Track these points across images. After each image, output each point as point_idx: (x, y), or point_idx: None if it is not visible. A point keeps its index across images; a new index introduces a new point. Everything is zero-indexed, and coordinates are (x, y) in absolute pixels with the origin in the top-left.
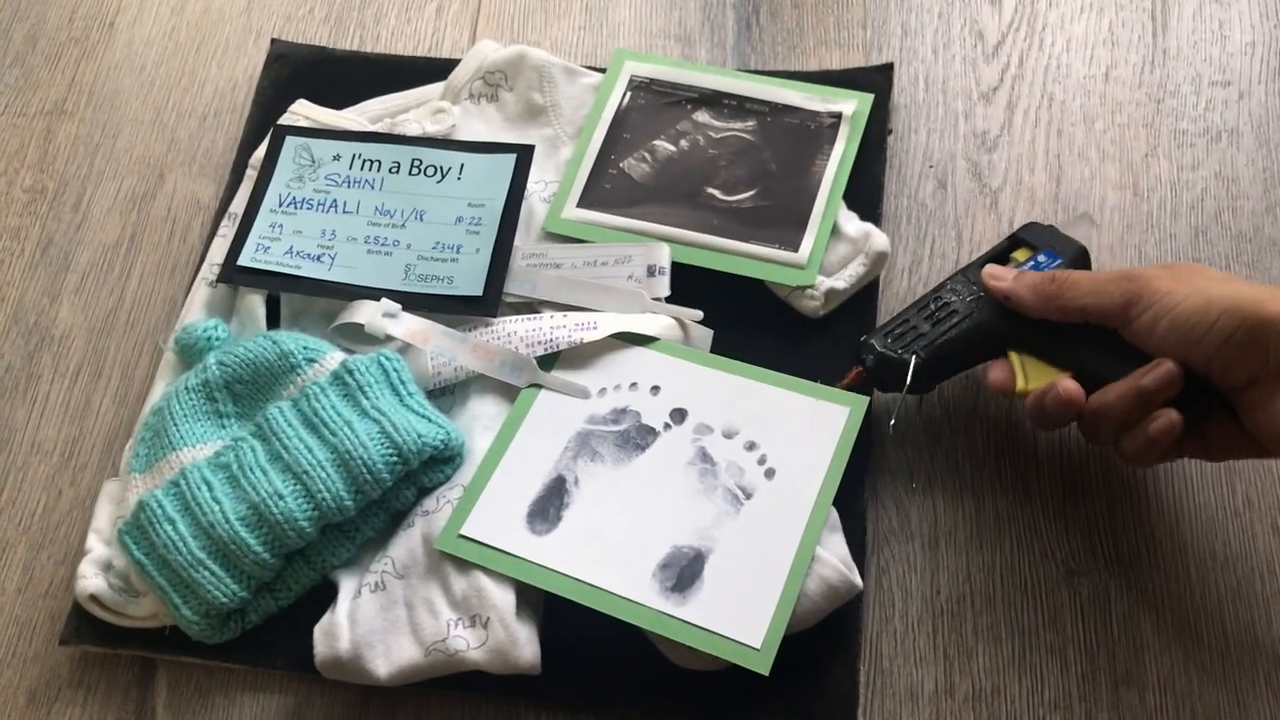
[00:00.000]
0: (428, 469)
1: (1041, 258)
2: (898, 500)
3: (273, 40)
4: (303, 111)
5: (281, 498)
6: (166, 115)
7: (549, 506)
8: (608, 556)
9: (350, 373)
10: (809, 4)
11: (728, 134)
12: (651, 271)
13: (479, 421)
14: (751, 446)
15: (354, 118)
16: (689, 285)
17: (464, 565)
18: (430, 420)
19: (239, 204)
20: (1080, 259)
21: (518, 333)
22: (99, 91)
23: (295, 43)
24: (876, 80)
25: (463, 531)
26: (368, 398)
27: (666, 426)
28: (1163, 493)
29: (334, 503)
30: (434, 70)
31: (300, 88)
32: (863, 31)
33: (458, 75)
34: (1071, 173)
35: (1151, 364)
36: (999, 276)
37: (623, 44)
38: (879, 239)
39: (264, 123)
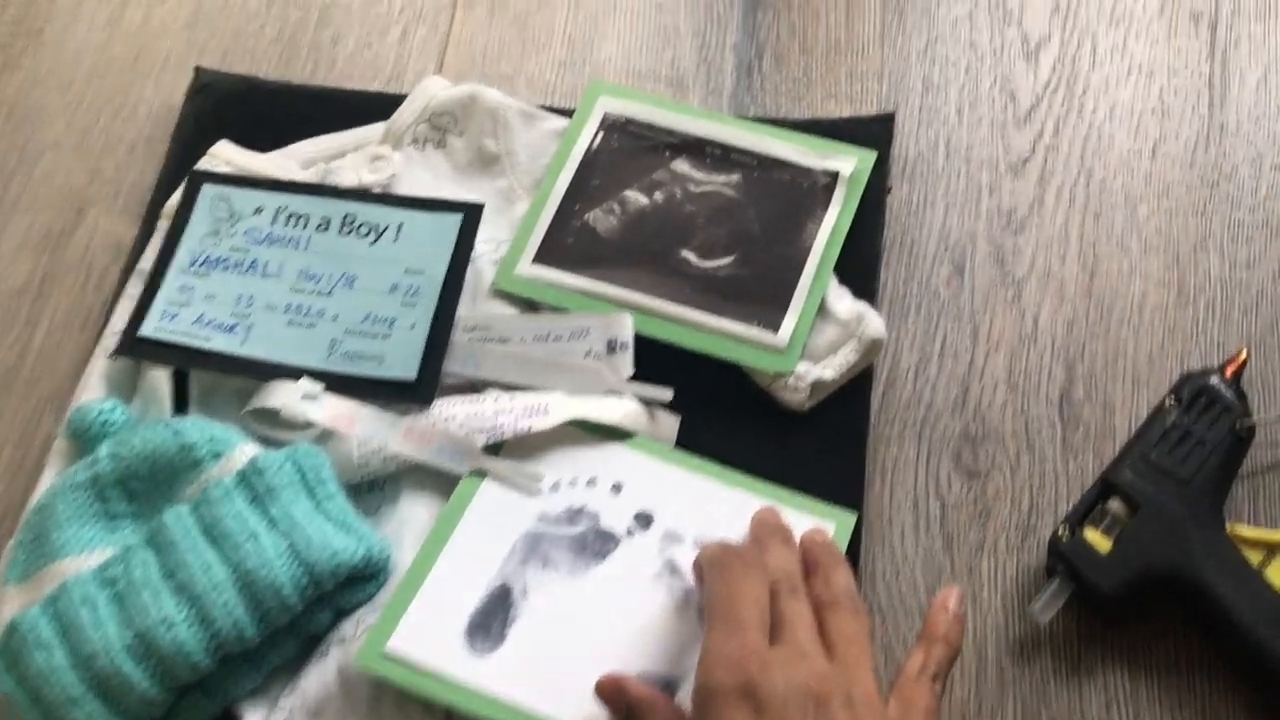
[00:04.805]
0: (345, 589)
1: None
2: (887, 645)
3: (197, 69)
4: (223, 155)
5: (173, 625)
6: (93, 140)
7: (492, 620)
8: (561, 682)
9: (259, 473)
10: (819, 50)
11: (709, 188)
12: (612, 347)
13: (409, 528)
14: None
15: (282, 162)
16: (656, 360)
17: (390, 703)
18: (349, 531)
19: (150, 259)
20: None
21: (456, 417)
22: (20, 108)
23: (221, 71)
24: (875, 132)
25: (389, 648)
26: (278, 503)
27: (629, 532)
28: (1195, 661)
29: (234, 631)
30: (379, 106)
31: (225, 123)
32: (878, 85)
33: (401, 116)
34: (1108, 265)
35: None
36: None
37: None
38: (874, 323)
39: (184, 163)
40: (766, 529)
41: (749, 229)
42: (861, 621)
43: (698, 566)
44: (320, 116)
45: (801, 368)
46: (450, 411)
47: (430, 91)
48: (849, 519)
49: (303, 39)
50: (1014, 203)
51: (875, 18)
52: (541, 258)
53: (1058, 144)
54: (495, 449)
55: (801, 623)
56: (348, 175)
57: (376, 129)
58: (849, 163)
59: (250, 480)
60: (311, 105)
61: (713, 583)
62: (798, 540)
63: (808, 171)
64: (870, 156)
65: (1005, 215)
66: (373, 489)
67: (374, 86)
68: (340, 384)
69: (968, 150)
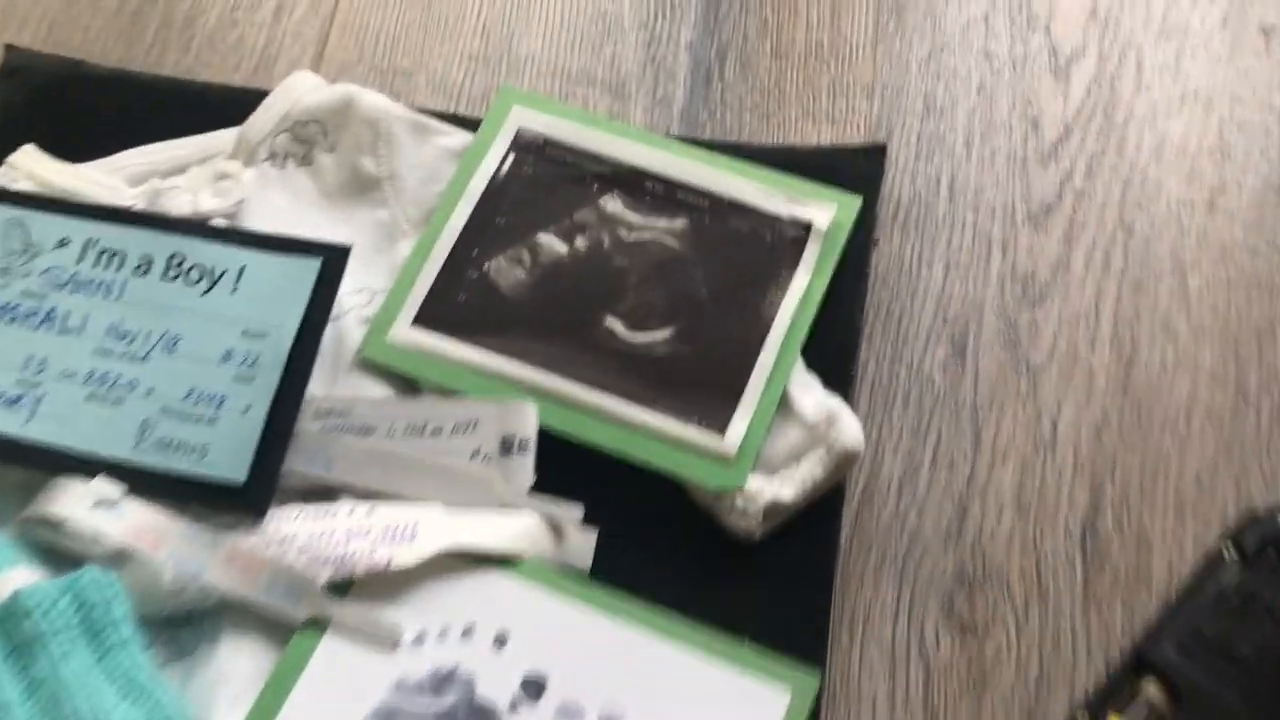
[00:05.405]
0: None
1: None
2: None
3: (7, 47)
4: (24, 166)
5: None
6: None
7: None
8: None
9: (23, 615)
10: (796, 55)
11: (646, 235)
12: (508, 446)
13: (225, 688)
14: None
15: (102, 178)
16: (566, 462)
17: None
18: (139, 698)
19: None
20: None
21: (296, 539)
22: None
23: (39, 52)
24: (860, 167)
25: None
26: (45, 657)
27: (514, 706)
28: None
29: None
30: (240, 105)
31: (39, 120)
32: (868, 103)
33: (256, 124)
34: (1149, 352)
35: None
36: None
37: (528, 87)
38: (848, 429)
39: None
40: None
41: (694, 293)
42: None
43: None
44: (165, 116)
45: (753, 484)
46: (289, 529)
47: (295, 93)
48: (809, 685)
49: (151, 13)
50: (1032, 264)
51: (868, 16)
52: (425, 319)
53: (1090, 189)
54: (344, 587)
55: None
56: (182, 200)
57: (228, 137)
58: (826, 211)
59: (8, 624)
60: (154, 100)
61: None
62: None
63: (773, 220)
64: (853, 204)
65: (1021, 281)
66: (189, 622)
67: (237, 79)
68: (149, 483)
69: (977, 193)
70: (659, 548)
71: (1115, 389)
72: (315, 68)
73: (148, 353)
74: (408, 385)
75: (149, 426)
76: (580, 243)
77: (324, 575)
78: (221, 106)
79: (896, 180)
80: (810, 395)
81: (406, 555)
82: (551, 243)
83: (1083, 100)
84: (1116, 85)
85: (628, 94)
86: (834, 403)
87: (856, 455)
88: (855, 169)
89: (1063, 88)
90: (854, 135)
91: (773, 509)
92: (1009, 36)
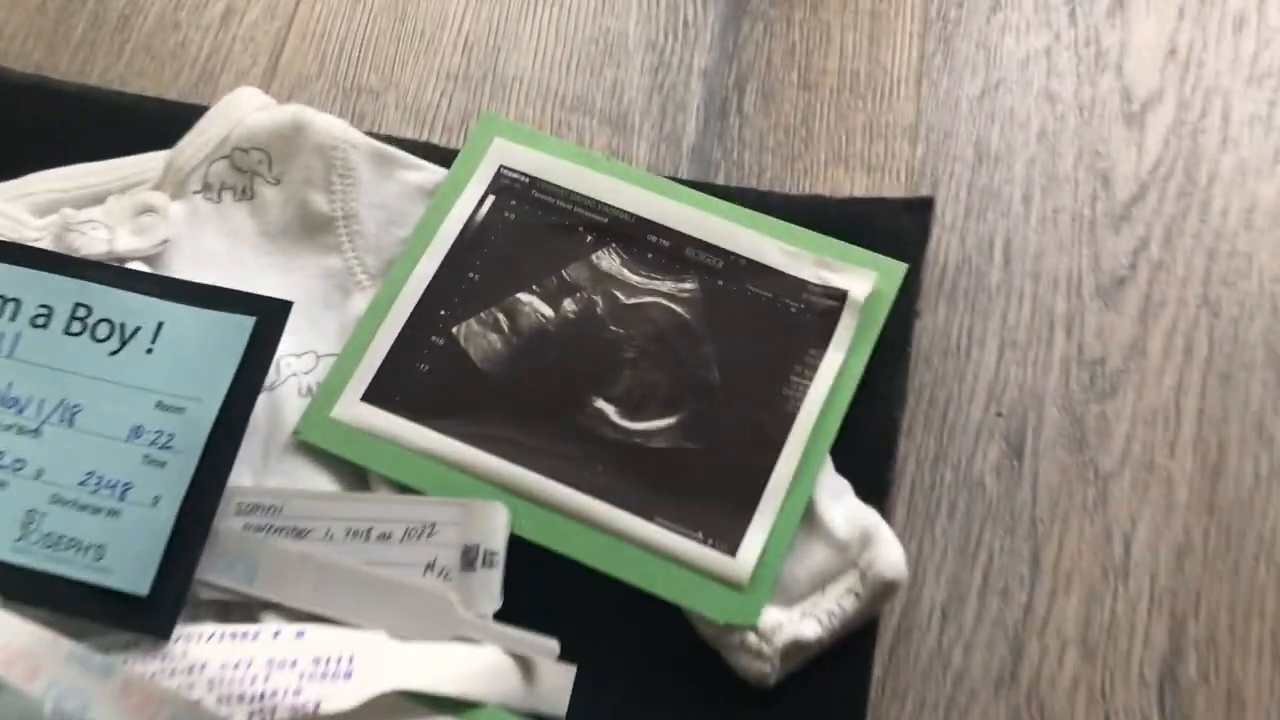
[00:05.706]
0: None
1: None
2: None
3: None
4: None
5: None
6: None
7: None
8: None
9: None
10: (827, 87)
11: (648, 300)
12: (471, 558)
13: None
14: None
15: (2, 207)
16: (541, 577)
17: None
18: None
19: None
20: None
21: (207, 668)
22: None
23: None
24: (901, 224)
25: None
26: None
27: None
28: None
29: None
30: (177, 122)
31: None
32: (910, 147)
33: (188, 148)
34: (1239, 460)
35: None
36: None
37: (515, 114)
38: (887, 552)
39: None
40: None
41: (703, 373)
42: None
43: None
44: (88, 132)
45: (770, 618)
46: (198, 655)
47: (236, 113)
48: None
49: (79, 10)
50: (1102, 348)
51: (912, 45)
52: (378, 394)
53: (1169, 259)
54: None
55: None
56: (97, 236)
57: (157, 162)
58: (864, 279)
59: None
60: (77, 113)
61: None
62: None
63: (800, 287)
64: (896, 271)
65: (1088, 367)
66: None
67: (175, 92)
68: (29, 589)
69: (1036, 259)
70: (651, 691)
71: (1199, 504)
72: (267, 82)
73: (40, 425)
74: (354, 474)
75: (36, 518)
76: (568, 306)
77: (238, 717)
78: (156, 124)
79: (943, 240)
80: (840, 506)
81: (340, 697)
82: (534, 305)
83: (1160, 153)
84: (1199, 137)
85: (630, 127)
86: (869, 517)
87: (896, 586)
88: (895, 225)
89: (1137, 137)
90: (893, 185)
91: (793, 648)
92: (1075, 75)
